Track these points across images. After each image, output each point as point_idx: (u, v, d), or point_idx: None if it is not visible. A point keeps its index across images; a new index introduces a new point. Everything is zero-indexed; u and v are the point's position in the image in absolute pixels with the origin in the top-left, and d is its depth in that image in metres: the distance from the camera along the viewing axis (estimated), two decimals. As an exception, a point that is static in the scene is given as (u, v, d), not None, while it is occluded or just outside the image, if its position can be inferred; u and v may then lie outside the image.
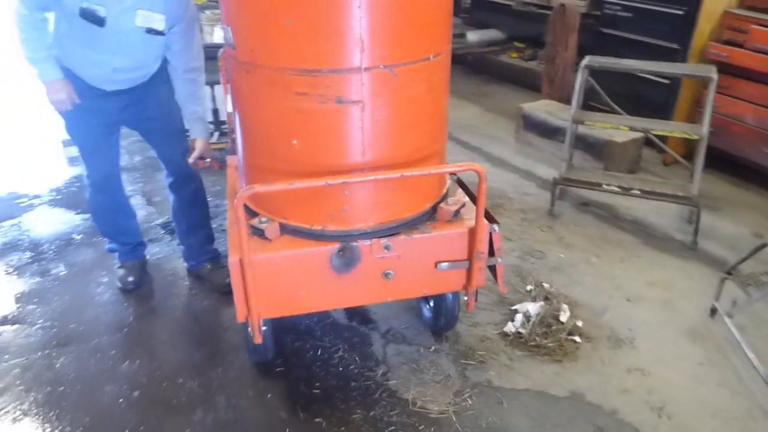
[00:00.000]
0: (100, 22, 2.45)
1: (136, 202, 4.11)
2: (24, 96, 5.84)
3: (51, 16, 2.58)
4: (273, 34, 1.88)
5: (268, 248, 2.15)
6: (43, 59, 2.60)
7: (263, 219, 2.21)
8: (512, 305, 3.07)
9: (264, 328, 2.27)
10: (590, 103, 4.65)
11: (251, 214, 2.27)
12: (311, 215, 2.14)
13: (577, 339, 2.84)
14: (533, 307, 2.98)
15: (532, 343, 2.81)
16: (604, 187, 3.68)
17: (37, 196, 4.23)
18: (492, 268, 2.43)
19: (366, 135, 1.98)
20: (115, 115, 2.84)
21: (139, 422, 2.44)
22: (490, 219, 2.39)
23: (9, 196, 4.25)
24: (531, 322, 2.90)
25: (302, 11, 1.79)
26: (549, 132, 4.75)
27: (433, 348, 2.82)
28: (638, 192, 3.61)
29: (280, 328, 2.89)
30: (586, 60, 3.84)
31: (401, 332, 2.92)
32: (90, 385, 2.62)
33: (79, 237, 3.72)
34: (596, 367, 2.70)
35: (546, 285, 3.21)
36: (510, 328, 2.91)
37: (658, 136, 3.89)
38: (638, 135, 4.21)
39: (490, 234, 2.32)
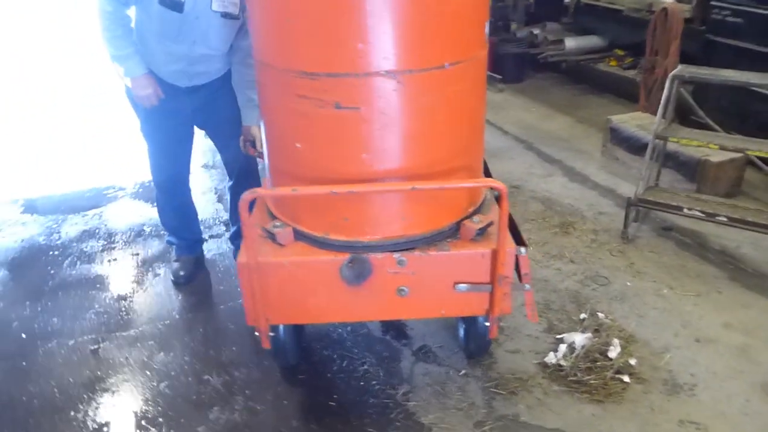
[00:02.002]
0: (179, 7, 2.54)
1: (208, 198, 4.28)
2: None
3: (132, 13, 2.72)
4: (276, 33, 1.85)
5: (278, 253, 2.11)
6: (128, 56, 2.72)
7: (278, 224, 2.18)
8: (561, 334, 2.82)
9: (273, 333, 2.24)
10: (692, 117, 4.22)
11: (272, 217, 2.26)
12: (318, 222, 2.08)
13: (626, 379, 2.55)
14: (579, 339, 2.71)
15: (573, 378, 2.56)
16: (686, 211, 3.30)
17: (122, 189, 4.53)
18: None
19: (368, 144, 1.88)
20: (188, 117, 2.96)
21: (159, 414, 2.50)
22: (519, 241, 2.19)
23: (100, 187, 4.58)
24: (574, 355, 2.65)
25: (301, 10, 1.73)
26: (638, 148, 4.34)
27: (463, 372, 2.65)
28: (725, 219, 3.19)
29: (311, 334, 2.85)
30: (677, 69, 3.47)
31: (434, 351, 2.77)
32: (123, 373, 2.74)
33: (149, 229, 3.92)
34: (642, 414, 2.40)
35: (601, 315, 2.92)
36: (551, 358, 2.67)
37: (761, 158, 3.43)
38: (737, 155, 3.73)
39: (517, 258, 2.12)
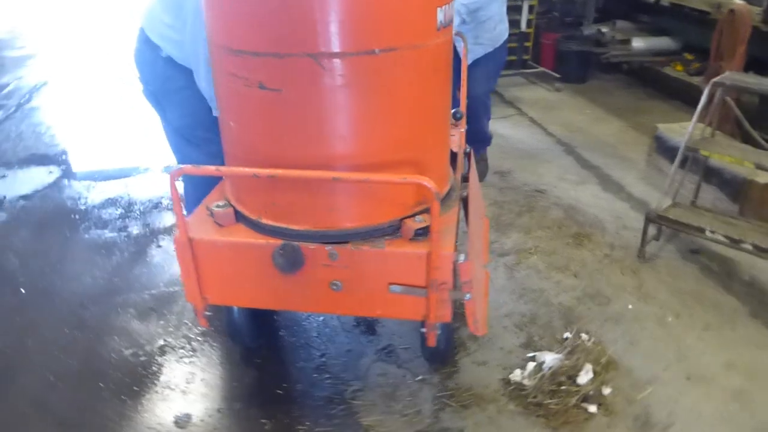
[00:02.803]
0: None
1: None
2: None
3: None
4: (210, 9, 1.79)
5: (212, 232, 2.08)
6: None
7: (220, 203, 2.14)
8: (537, 351, 2.62)
9: (228, 314, 2.21)
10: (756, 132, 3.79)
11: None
12: (253, 205, 2.03)
13: (592, 409, 2.33)
14: (549, 358, 2.51)
15: (532, 400, 2.37)
16: (708, 233, 2.96)
17: (149, 166, 4.68)
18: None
19: (290, 128, 1.79)
20: None
21: (119, 378, 2.56)
22: (460, 246, 2.03)
23: (134, 162, 4.76)
24: (539, 375, 2.45)
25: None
26: (685, 160, 3.97)
27: (420, 377, 2.52)
28: (750, 247, 2.84)
29: (285, 320, 2.83)
30: (720, 76, 3.12)
31: (398, 353, 2.66)
32: (98, 336, 2.83)
33: (167, 202, 4.04)
34: (599, 450, 2.19)
35: (585, 336, 2.68)
36: (516, 376, 2.49)
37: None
38: (787, 177, 3.31)
39: (456, 264, 1.97)
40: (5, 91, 6.87)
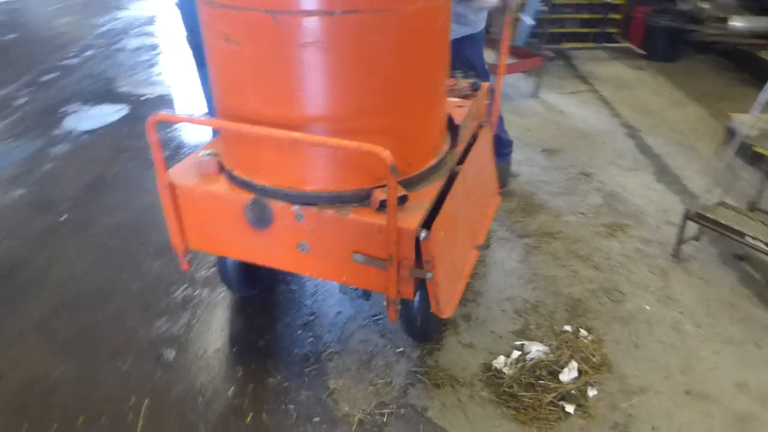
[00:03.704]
0: None
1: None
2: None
3: None
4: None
5: (194, 180, 2.12)
6: None
7: (207, 152, 2.17)
8: (529, 340, 2.49)
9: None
10: None
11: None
12: (229, 157, 2.04)
13: (569, 408, 2.19)
14: (535, 349, 2.38)
15: (507, 389, 2.26)
16: (747, 239, 2.65)
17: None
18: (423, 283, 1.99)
19: (253, 83, 1.75)
20: None
21: (123, 306, 2.71)
22: (428, 223, 1.93)
23: (191, 107, 4.94)
24: (519, 366, 2.33)
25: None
26: (754, 156, 3.57)
27: (400, 350, 2.47)
28: (793, 259, 2.52)
29: (286, 273, 2.85)
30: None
31: (386, 322, 2.61)
32: (115, 267, 2.99)
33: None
34: (564, 452, 2.06)
35: (583, 332, 2.51)
36: (499, 362, 2.38)
37: None
38: None
39: (419, 241, 1.88)
40: (100, 30, 7.31)
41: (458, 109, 2.47)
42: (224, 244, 2.18)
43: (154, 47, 6.65)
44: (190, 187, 2.09)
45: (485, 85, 2.84)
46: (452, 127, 2.34)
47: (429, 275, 1.91)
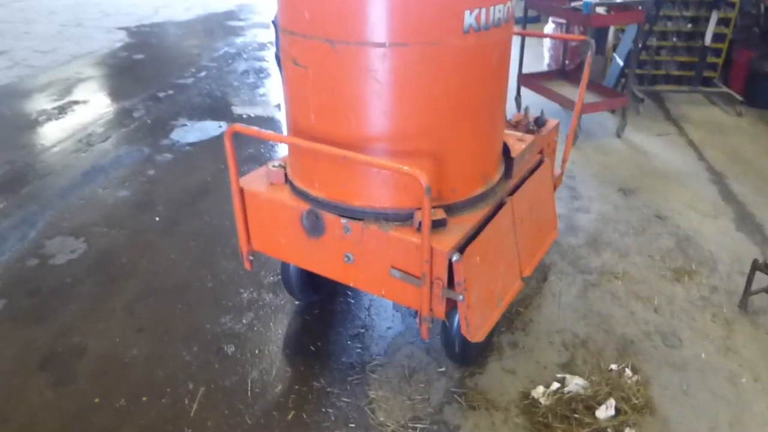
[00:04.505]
0: None
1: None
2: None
3: None
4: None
5: (261, 187, 2.34)
6: None
7: (276, 164, 2.40)
8: (571, 374, 2.49)
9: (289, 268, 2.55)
10: None
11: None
12: (293, 169, 2.24)
13: (602, 446, 2.18)
14: (575, 383, 2.37)
15: (541, 419, 2.28)
16: (820, 295, 2.51)
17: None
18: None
19: (313, 103, 1.94)
20: None
21: (199, 298, 2.99)
22: (463, 248, 2.01)
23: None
24: (557, 397, 2.33)
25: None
26: None
27: (443, 369, 2.55)
28: None
29: (345, 288, 3.02)
30: None
31: (434, 342, 2.70)
32: (192, 265, 3.29)
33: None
34: (589, 487, 2.05)
35: (628, 372, 2.47)
36: (537, 392, 2.40)
37: None
38: None
39: (451, 263, 1.97)
40: (216, 54, 7.97)
41: (518, 141, 2.55)
42: (283, 248, 2.38)
43: (261, 71, 7.17)
44: (257, 192, 2.32)
45: (552, 121, 2.91)
46: (508, 159, 2.43)
47: (460, 297, 2.00)
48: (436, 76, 1.89)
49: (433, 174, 2.01)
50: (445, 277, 1.98)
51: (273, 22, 3.28)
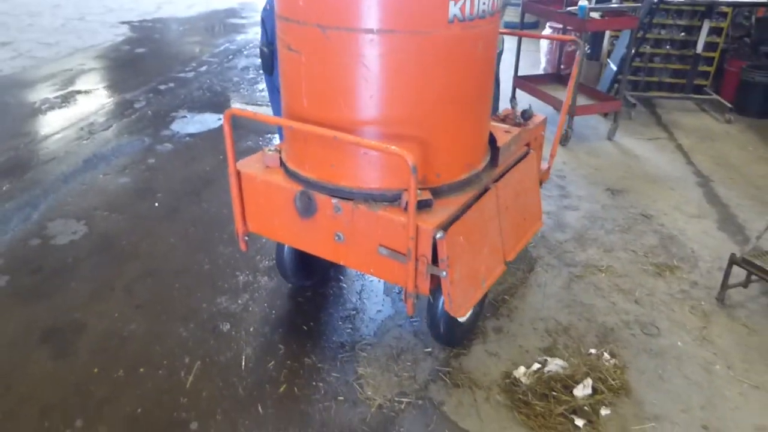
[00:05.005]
0: None
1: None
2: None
3: None
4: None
5: (257, 169, 2.45)
6: None
7: (272, 148, 2.50)
8: (552, 356, 2.60)
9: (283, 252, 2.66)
10: None
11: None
12: (287, 151, 2.35)
13: (578, 422, 2.27)
14: (554, 364, 2.48)
15: (521, 397, 2.38)
16: (792, 288, 2.62)
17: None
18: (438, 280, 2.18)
19: (306, 86, 2.05)
20: None
21: (194, 282, 3.08)
22: (448, 227, 2.12)
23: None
24: (537, 376, 2.44)
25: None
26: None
27: (429, 350, 2.65)
28: (836, 312, 2.46)
29: (341, 267, 3.13)
30: None
31: (423, 325, 2.79)
32: (192, 249, 3.39)
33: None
34: (565, 461, 2.15)
35: (606, 356, 2.58)
36: (518, 372, 2.50)
37: None
38: None
39: (436, 240, 2.08)
40: (216, 50, 8.08)
41: (504, 133, 2.66)
42: (277, 229, 2.48)
43: (260, 67, 7.30)
44: (253, 175, 2.42)
45: (540, 116, 3.03)
46: (494, 149, 2.54)
47: (443, 273, 2.10)
48: (421, 63, 2.00)
49: (419, 158, 2.12)
50: (429, 254, 2.09)
51: (262, 16, 3.40)
